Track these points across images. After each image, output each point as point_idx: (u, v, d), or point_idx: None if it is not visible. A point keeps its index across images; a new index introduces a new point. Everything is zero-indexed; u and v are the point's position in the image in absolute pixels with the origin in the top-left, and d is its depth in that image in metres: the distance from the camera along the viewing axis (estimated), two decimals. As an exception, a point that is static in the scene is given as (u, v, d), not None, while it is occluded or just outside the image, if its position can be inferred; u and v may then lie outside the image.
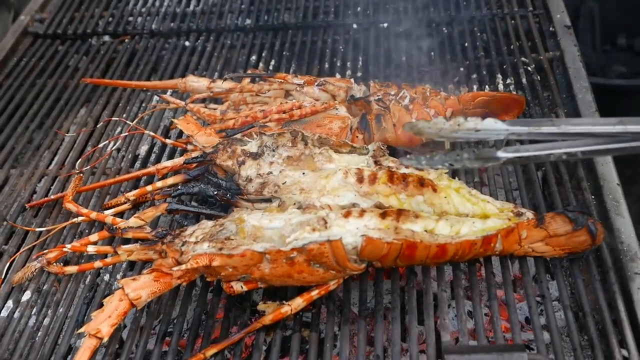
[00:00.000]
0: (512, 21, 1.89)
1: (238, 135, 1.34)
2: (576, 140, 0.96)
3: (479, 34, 1.86)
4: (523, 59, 1.73)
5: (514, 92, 1.62)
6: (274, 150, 1.29)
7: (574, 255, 1.20)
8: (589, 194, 1.33)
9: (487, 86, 1.67)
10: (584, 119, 1.09)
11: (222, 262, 1.10)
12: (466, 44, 1.83)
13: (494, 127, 0.96)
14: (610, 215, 1.27)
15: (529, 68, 1.70)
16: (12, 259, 1.35)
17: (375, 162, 1.27)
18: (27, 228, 1.42)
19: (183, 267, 1.11)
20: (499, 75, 1.69)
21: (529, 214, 1.18)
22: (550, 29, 1.81)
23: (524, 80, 1.66)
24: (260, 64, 1.88)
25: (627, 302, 1.14)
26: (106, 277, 1.31)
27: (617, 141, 0.95)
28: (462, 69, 1.75)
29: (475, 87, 1.68)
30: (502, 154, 0.98)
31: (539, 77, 1.67)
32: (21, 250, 1.37)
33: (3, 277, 1.33)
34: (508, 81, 1.67)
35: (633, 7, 2.61)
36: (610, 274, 1.18)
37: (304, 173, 1.25)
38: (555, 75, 1.66)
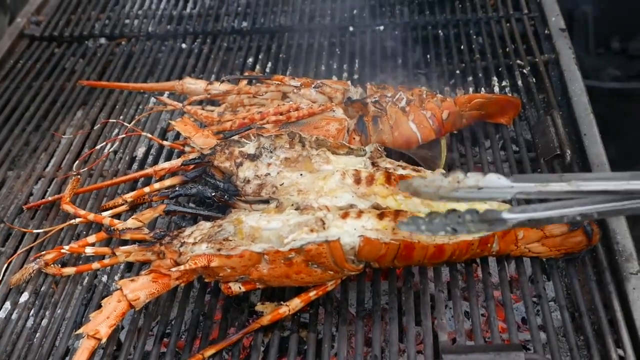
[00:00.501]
0: (508, 24, 1.90)
1: (235, 137, 1.34)
2: (589, 197, 0.87)
3: (474, 36, 1.87)
4: (518, 61, 1.74)
5: (510, 95, 1.64)
6: (271, 152, 1.29)
7: (570, 256, 1.21)
8: (584, 195, 1.33)
9: (483, 88, 1.68)
10: (595, 174, 0.96)
11: (221, 263, 1.10)
12: (462, 47, 1.84)
13: (497, 184, 0.85)
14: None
15: (525, 70, 1.71)
16: (9, 260, 1.35)
17: (373, 164, 1.28)
18: (24, 230, 1.42)
19: (182, 267, 1.12)
20: (495, 78, 1.70)
21: (526, 215, 1.18)
22: (546, 31, 1.82)
23: (519, 82, 1.67)
24: (257, 67, 1.89)
25: (622, 302, 1.15)
26: (104, 279, 1.31)
27: (633, 198, 0.86)
28: (458, 71, 1.76)
29: (471, 89, 1.68)
30: (509, 216, 0.87)
31: (534, 79, 1.68)
32: (19, 251, 1.37)
33: (0, 278, 1.33)
34: (504, 83, 1.68)
35: (626, 11, 2.62)
36: (605, 274, 1.19)
37: (301, 174, 1.26)
38: (551, 78, 1.67)
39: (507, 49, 1.80)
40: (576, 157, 1.42)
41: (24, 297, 1.30)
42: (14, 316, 1.27)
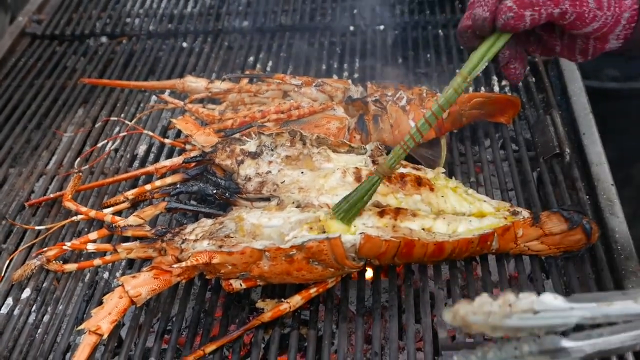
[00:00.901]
0: (508, 24, 1.90)
1: (237, 135, 1.35)
2: None
3: (475, 36, 1.88)
4: (518, 61, 1.74)
5: (510, 94, 1.64)
6: (272, 150, 1.30)
7: (569, 254, 1.22)
8: (583, 194, 1.34)
9: (482, 88, 1.69)
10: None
11: (222, 260, 1.11)
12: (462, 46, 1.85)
13: (554, 305, 0.73)
14: (605, 215, 1.28)
15: (524, 70, 1.71)
16: (11, 256, 1.36)
17: (373, 162, 1.28)
18: (26, 226, 1.43)
19: (183, 264, 1.12)
20: (495, 77, 1.71)
21: (525, 213, 1.19)
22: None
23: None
24: (258, 65, 1.89)
25: (621, 300, 1.16)
26: (105, 275, 1.32)
27: None
28: (458, 70, 1.76)
29: (471, 88, 1.69)
30: (571, 344, 0.75)
31: (534, 79, 1.68)
32: (20, 248, 1.37)
33: (3, 274, 1.33)
34: (503, 83, 1.69)
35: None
36: (604, 272, 1.20)
37: (302, 172, 1.26)
38: (550, 78, 1.68)
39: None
40: (575, 157, 1.43)
41: (26, 293, 1.30)
42: (16, 312, 1.27)
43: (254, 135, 1.33)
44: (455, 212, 1.20)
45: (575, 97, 1.57)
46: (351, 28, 2.00)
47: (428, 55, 1.85)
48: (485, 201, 1.22)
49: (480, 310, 0.73)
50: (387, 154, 1.32)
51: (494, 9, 1.00)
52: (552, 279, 1.21)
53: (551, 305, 0.73)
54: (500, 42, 1.04)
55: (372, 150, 1.30)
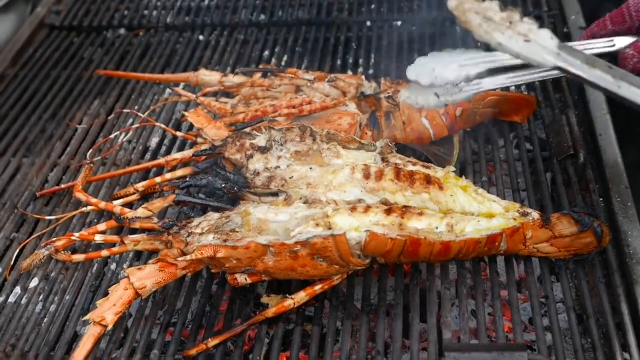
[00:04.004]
0: (526, 21, 1.87)
1: (247, 129, 1.35)
2: None
3: (492, 33, 1.85)
4: (536, 59, 1.72)
5: (525, 92, 1.62)
6: (282, 145, 1.29)
7: (579, 257, 1.20)
8: (597, 196, 1.32)
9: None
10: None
11: (227, 254, 1.11)
12: (479, 43, 1.83)
13: (546, 43, 0.81)
14: (618, 217, 1.26)
15: (542, 69, 1.68)
16: (21, 245, 1.37)
17: (383, 159, 1.27)
18: (36, 216, 1.44)
19: (188, 257, 1.13)
20: (510, 76, 1.68)
21: (535, 214, 1.17)
22: (564, 30, 1.80)
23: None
24: (273, 60, 1.89)
25: (631, 306, 1.13)
26: (113, 266, 1.32)
27: None
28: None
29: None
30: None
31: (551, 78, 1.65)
32: (30, 237, 1.39)
33: (12, 263, 1.34)
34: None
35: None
36: (615, 276, 1.18)
37: (311, 168, 1.26)
38: (567, 77, 1.64)
39: (525, 47, 1.78)
40: (590, 158, 1.40)
41: (34, 282, 1.32)
42: (24, 301, 1.29)
43: (264, 130, 1.32)
44: (463, 211, 1.18)
45: (592, 97, 1.54)
46: (368, 23, 1.98)
47: (444, 52, 1.82)
48: (494, 201, 1.20)
49: (483, 12, 0.77)
50: (398, 151, 1.31)
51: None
52: (561, 281, 1.19)
53: (544, 41, 0.79)
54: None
55: (382, 147, 1.29)
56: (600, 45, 1.11)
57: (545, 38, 0.79)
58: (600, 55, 1.11)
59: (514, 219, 1.16)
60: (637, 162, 1.43)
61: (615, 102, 1.53)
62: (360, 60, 1.84)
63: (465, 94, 1.13)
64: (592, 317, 1.13)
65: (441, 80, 1.07)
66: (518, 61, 1.04)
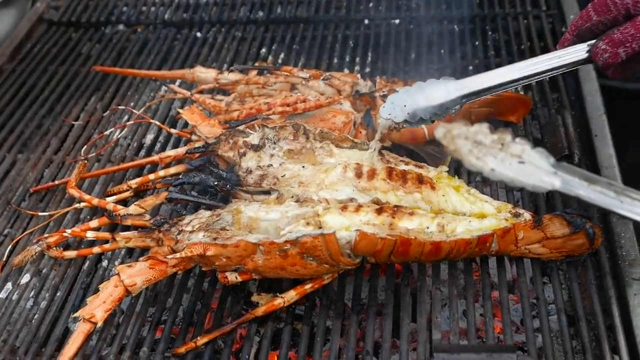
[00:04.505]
0: (525, 21, 1.87)
1: (241, 127, 1.34)
2: None
3: (490, 32, 1.85)
4: (534, 59, 1.71)
5: (521, 92, 1.61)
6: (275, 143, 1.29)
7: (571, 259, 1.19)
8: (591, 197, 1.31)
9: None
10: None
11: (216, 252, 1.11)
12: (477, 43, 1.82)
13: (541, 164, 0.77)
14: (611, 219, 1.25)
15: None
16: (14, 241, 1.37)
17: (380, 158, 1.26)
18: (29, 212, 1.44)
19: (177, 255, 1.12)
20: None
21: (527, 215, 1.17)
22: (563, 29, 1.79)
23: (533, 80, 1.64)
24: (270, 57, 1.88)
25: (622, 308, 1.13)
26: (105, 263, 1.32)
27: None
28: (471, 67, 1.74)
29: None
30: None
31: (548, 78, 1.64)
32: (23, 233, 1.39)
33: (5, 259, 1.34)
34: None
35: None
36: (607, 279, 1.17)
37: (303, 166, 1.25)
38: (565, 77, 1.64)
39: (523, 47, 1.77)
40: (585, 159, 1.39)
41: (26, 278, 1.32)
42: (15, 297, 1.29)
43: (257, 128, 1.32)
44: (455, 211, 1.18)
45: (589, 98, 1.53)
46: (366, 22, 1.97)
47: (442, 51, 1.82)
48: (487, 201, 1.19)
49: (472, 137, 0.74)
50: (392, 150, 1.30)
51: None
52: (552, 283, 1.19)
53: (538, 162, 0.74)
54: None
55: (375, 147, 1.28)
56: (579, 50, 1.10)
57: (540, 158, 0.76)
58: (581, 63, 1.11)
59: (506, 220, 1.15)
60: (633, 163, 1.43)
61: (613, 102, 1.54)
62: (357, 59, 1.83)
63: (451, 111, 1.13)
64: (583, 319, 1.13)
65: (413, 118, 1.08)
66: (492, 84, 1.09)
